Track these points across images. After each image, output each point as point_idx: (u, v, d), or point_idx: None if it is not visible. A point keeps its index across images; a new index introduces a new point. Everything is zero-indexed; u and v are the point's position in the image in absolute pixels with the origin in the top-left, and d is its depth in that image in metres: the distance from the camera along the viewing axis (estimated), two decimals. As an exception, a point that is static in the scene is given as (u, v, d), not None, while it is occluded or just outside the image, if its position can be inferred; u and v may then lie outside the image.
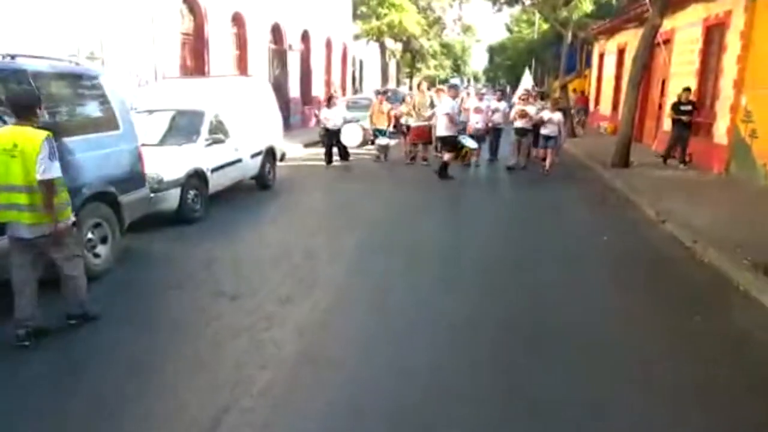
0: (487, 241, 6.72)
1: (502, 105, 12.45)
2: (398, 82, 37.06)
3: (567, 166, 12.22)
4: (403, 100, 13.70)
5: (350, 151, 12.32)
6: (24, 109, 3.87)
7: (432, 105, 11.89)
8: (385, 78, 34.09)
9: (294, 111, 20.18)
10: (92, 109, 5.35)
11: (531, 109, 11.43)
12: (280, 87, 19.95)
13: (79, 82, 5.36)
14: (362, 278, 5.44)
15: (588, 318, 4.51)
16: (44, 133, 3.79)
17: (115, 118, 5.57)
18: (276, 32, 19.78)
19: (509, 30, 45.41)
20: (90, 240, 5.19)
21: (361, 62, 36.80)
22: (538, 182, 10.59)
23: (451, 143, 10.35)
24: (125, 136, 5.67)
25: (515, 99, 13.13)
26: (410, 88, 36.66)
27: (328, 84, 21.00)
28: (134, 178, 5.81)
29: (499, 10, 23.22)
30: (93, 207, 5.21)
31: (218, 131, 8.27)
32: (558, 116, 11.05)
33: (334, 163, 11.89)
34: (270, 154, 9.81)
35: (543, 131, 11.12)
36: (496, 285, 5.27)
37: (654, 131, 14.65)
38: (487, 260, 5.96)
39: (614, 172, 10.96)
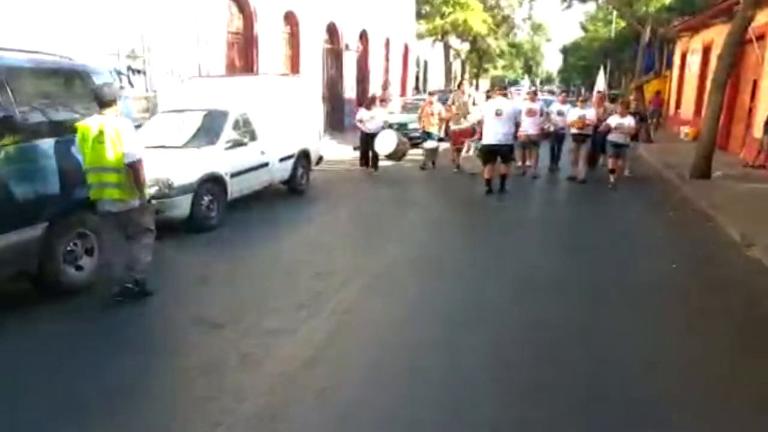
0: (536, 269, 5.57)
1: (566, 108, 11.02)
2: (461, 83, 35.86)
3: (639, 177, 10.80)
4: (446, 101, 12.69)
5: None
6: (105, 103, 4.43)
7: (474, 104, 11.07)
8: (448, 79, 33.05)
9: (349, 112, 19.57)
10: (81, 108, 4.84)
11: (589, 113, 10.08)
12: (334, 87, 19.53)
13: (66, 78, 4.88)
14: (376, 305, 4.65)
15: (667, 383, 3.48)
16: (126, 121, 4.53)
17: (108, 118, 5.01)
18: (331, 32, 19.30)
19: (584, 29, 43.18)
20: (71, 252, 4.68)
21: (425, 63, 35.97)
22: (602, 197, 9.28)
23: (506, 153, 8.99)
24: (119, 138, 5.11)
25: (558, 104, 11.50)
26: (477, 89, 35.58)
27: (385, 85, 20.18)
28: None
29: (569, 6, 21.73)
30: (78, 216, 4.70)
31: (244, 133, 7.72)
32: (629, 121, 9.52)
33: (371, 170, 11.03)
34: (304, 158, 9.19)
35: (610, 137, 9.68)
36: (541, 322, 4.31)
37: (742, 138, 12.97)
38: (535, 293, 4.95)
39: (693, 185, 9.56)
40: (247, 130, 7.85)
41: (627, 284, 5.19)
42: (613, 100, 14.10)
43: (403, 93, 26.81)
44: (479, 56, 37.37)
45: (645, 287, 5.12)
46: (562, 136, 11.03)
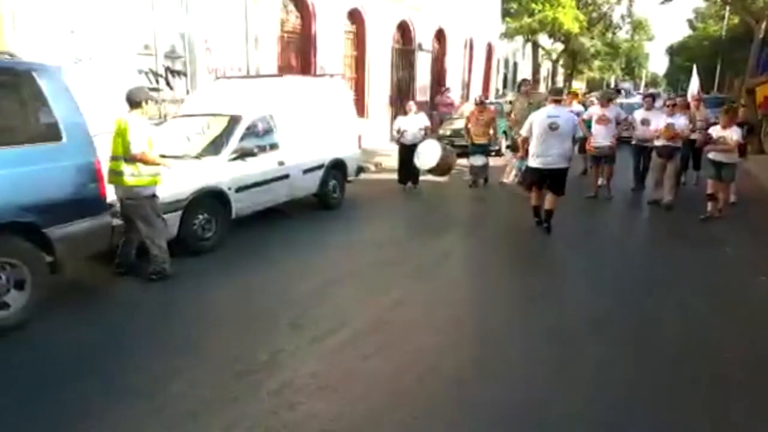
0: (602, 354, 3.94)
1: (655, 115, 8.85)
2: (522, 84, 33.55)
3: (745, 202, 8.75)
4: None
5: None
6: (132, 103, 5.10)
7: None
8: (535, 81, 30.97)
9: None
10: (15, 113, 4.10)
11: (679, 122, 8.10)
12: (402, 90, 18.46)
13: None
14: (370, 376, 3.54)
15: None
16: (138, 118, 5.07)
17: (56, 126, 4.27)
18: (403, 30, 18.25)
19: (692, 27, 39.26)
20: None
21: (515, 64, 34.11)
22: (696, 232, 7.21)
23: (557, 179, 6.83)
24: (70, 149, 4.36)
25: (642, 111, 9.21)
26: (569, 92, 33.14)
27: (441, 89, 18.74)
28: (82, 203, 4.48)
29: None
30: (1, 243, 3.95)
31: (261, 141, 6.85)
32: (733, 134, 7.43)
33: (410, 187, 9.55)
34: (336, 169, 8.20)
35: (713, 156, 7.64)
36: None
37: None
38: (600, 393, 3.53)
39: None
40: (265, 138, 6.98)
41: (728, 376, 3.70)
42: (721, 105, 11.87)
43: (486, 96, 25.28)
44: (573, 57, 34.89)
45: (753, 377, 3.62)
46: (649, 150, 8.96)
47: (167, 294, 4.91)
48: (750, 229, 7.53)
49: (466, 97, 23.47)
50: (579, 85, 46.90)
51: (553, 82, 33.41)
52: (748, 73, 16.36)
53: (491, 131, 9.89)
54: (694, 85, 11.41)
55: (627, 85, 55.84)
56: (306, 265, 5.70)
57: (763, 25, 16.38)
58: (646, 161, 9.22)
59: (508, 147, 12.51)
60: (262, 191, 6.73)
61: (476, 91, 25.31)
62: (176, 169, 5.54)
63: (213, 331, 4.22)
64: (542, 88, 31.56)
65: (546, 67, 35.23)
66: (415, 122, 9.42)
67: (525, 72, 33.72)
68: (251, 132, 6.77)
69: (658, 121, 8.30)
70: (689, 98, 10.03)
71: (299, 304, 4.65)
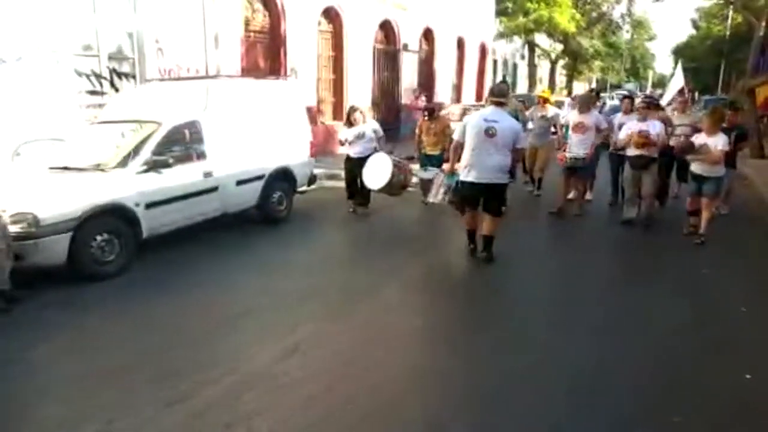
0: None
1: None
2: (552, 88, 32.69)
3: (741, 216, 7.86)
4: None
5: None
6: None
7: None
8: (532, 82, 30.19)
9: (405, 120, 17.68)
10: None
11: (654, 127, 6.95)
12: (386, 93, 17.72)
13: None
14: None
15: None
16: None
17: None
18: (387, 30, 17.52)
19: (696, 27, 38.29)
20: None
21: (515, 65, 33.31)
22: (676, 258, 6.25)
23: (495, 198, 5.77)
24: None
25: (620, 115, 8.20)
26: (569, 95, 32.24)
27: (416, 91, 17.61)
28: None
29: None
30: None
31: (183, 150, 6.16)
32: (721, 141, 6.48)
33: (355, 209, 8.01)
34: (283, 179, 7.47)
35: (694, 168, 6.74)
36: None
37: None
38: None
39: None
40: (189, 147, 6.28)
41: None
42: (723, 106, 10.85)
43: (479, 99, 24.52)
44: (573, 58, 34.07)
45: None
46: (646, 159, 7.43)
47: (27, 340, 4.12)
48: (736, 249, 6.70)
49: (457, 100, 22.74)
50: (581, 86, 46.06)
51: (552, 83, 32.57)
52: (748, 73, 15.49)
53: (448, 137, 8.51)
54: (677, 82, 10.55)
55: (631, 86, 54.74)
56: (215, 295, 4.95)
57: (764, 23, 15.52)
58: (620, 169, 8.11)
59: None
60: (182, 206, 6.00)
61: (469, 94, 24.59)
62: (65, 185, 4.83)
63: (48, 389, 3.48)
64: (538, 90, 30.72)
65: (545, 68, 34.39)
66: (363, 132, 7.80)
67: (526, 73, 32.95)
68: (171, 140, 6.05)
69: (630, 126, 7.16)
70: (670, 97, 9.10)
71: (177, 349, 3.93)
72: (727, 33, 28.73)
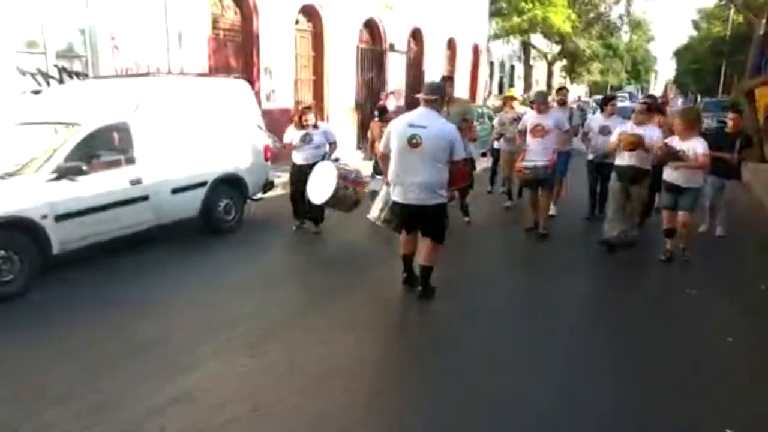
0: None
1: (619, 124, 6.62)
2: (548, 90, 32.05)
3: (732, 226, 6.97)
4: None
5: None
6: None
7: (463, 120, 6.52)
8: (528, 83, 29.54)
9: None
10: None
11: (651, 133, 5.87)
12: (371, 95, 17.09)
13: None
14: None
15: None
16: None
17: None
18: (372, 29, 16.92)
19: (696, 28, 37.58)
20: None
21: (512, 67, 32.66)
22: (658, 277, 5.72)
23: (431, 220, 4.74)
24: None
25: (601, 117, 7.34)
26: (506, 96, 31.36)
27: (386, 93, 15.67)
28: None
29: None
30: None
31: (104, 154, 5.56)
32: (700, 146, 5.52)
33: (299, 224, 6.99)
34: (231, 186, 6.86)
35: (669, 177, 5.78)
36: None
37: None
38: None
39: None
40: (114, 151, 5.69)
41: None
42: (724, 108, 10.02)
43: (472, 100, 23.89)
44: (571, 59, 33.37)
45: None
46: (610, 169, 6.50)
47: None
48: (727, 266, 6.04)
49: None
50: (580, 88, 45.35)
51: (549, 85, 31.92)
52: (747, 73, 14.82)
53: None
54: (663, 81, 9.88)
55: (632, 88, 54.01)
56: (123, 320, 4.32)
57: (764, 21, 14.86)
58: (605, 182, 6.94)
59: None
60: (102, 218, 5.39)
61: (461, 96, 23.93)
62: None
63: None
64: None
65: (543, 70, 33.74)
66: (312, 136, 6.76)
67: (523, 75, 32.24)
68: (92, 144, 5.45)
69: (622, 130, 6.13)
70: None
71: (53, 386, 3.32)
72: (728, 33, 28.03)
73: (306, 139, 6.74)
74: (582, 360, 3.84)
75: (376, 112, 7.83)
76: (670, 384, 3.54)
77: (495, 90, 28.88)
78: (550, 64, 32.46)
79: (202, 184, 6.47)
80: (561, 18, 24.79)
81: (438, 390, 3.43)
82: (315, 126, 6.79)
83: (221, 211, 6.76)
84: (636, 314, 4.72)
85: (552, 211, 7.54)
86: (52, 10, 8.45)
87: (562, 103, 7.63)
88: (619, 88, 52.55)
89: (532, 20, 24.37)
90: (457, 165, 4.60)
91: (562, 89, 7.97)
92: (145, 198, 5.81)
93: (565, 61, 34.66)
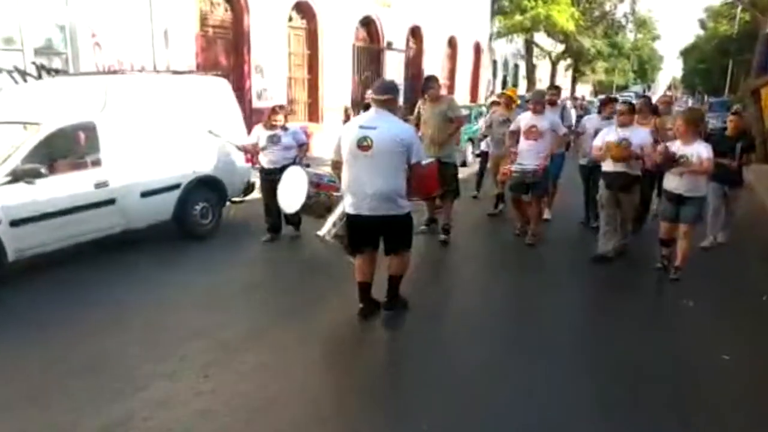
0: None
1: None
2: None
3: (733, 230, 6.57)
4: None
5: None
6: None
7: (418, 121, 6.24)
8: (531, 82, 29.13)
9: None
10: None
11: (638, 136, 5.42)
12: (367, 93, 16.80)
13: None
14: None
15: None
16: None
17: None
18: (369, 27, 16.64)
19: (703, 27, 37.05)
20: None
21: (515, 66, 32.28)
22: (651, 288, 5.34)
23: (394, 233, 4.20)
24: None
25: (596, 119, 6.95)
26: (572, 96, 31.12)
27: (365, 83, 14.73)
28: None
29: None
30: None
31: (68, 156, 5.31)
32: (704, 150, 5.01)
33: (269, 238, 6.40)
34: (206, 189, 6.57)
35: (669, 185, 5.28)
36: None
37: None
38: None
39: None
40: (78, 152, 5.44)
41: None
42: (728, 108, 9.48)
43: (473, 100, 23.57)
44: (574, 58, 32.95)
45: None
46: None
47: None
48: (727, 274, 5.70)
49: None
50: (585, 88, 44.89)
51: (553, 84, 31.49)
52: (753, 72, 14.42)
53: None
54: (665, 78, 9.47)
55: (638, 87, 53.48)
56: (72, 336, 4.03)
57: (771, 18, 14.44)
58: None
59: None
60: (63, 223, 5.11)
61: (462, 95, 23.56)
62: None
63: None
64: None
65: (546, 68, 33.33)
66: (279, 136, 6.21)
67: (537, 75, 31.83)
68: (54, 145, 5.20)
69: (608, 134, 5.60)
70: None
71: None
72: (735, 32, 27.55)
73: (274, 140, 6.20)
74: (569, 381, 3.52)
75: (361, 111, 7.43)
76: (658, 408, 3.23)
77: (498, 89, 28.54)
78: (554, 63, 32.02)
79: (175, 186, 6.18)
80: (564, 16, 24.38)
81: (405, 414, 3.14)
82: (284, 128, 6.30)
83: (197, 215, 6.47)
84: (629, 327, 4.38)
85: (546, 215, 7.23)
86: (30, 6, 8.22)
87: (553, 102, 7.15)
88: (625, 87, 52.06)
89: (535, 18, 23.96)
90: (416, 169, 4.04)
91: (553, 87, 7.59)
92: (111, 201, 5.53)
93: (569, 60, 34.29)
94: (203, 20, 11.05)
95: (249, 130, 7.00)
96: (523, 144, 6.23)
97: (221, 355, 3.74)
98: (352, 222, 4.17)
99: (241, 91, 11.63)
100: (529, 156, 6.15)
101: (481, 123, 8.57)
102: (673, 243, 5.41)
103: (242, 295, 4.90)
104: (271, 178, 6.04)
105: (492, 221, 7.69)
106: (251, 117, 11.36)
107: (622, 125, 5.56)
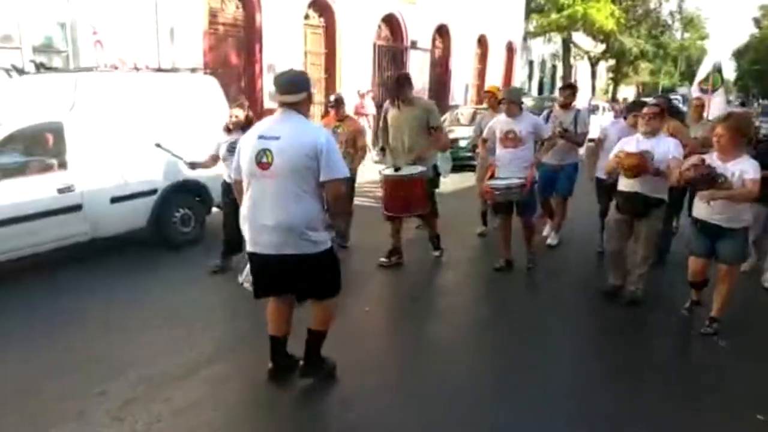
0: None
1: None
2: (593, 91, 30.45)
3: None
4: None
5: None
6: None
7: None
8: (568, 84, 27.99)
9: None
10: None
11: (664, 146, 4.38)
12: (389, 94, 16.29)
13: None
14: None
15: None
16: None
17: None
18: (392, 26, 16.12)
19: (758, 26, 35.05)
20: None
21: (553, 67, 31.24)
22: (678, 343, 4.34)
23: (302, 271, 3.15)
24: None
25: (619, 123, 5.94)
26: (613, 99, 29.84)
27: (361, 93, 13.62)
28: None
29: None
30: None
31: (29, 158, 4.99)
32: (750, 169, 3.88)
33: (217, 265, 5.40)
34: (187, 194, 6.19)
35: (701, 213, 4.14)
36: None
37: None
38: None
39: None
40: (41, 155, 5.12)
41: None
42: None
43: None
44: (616, 59, 31.60)
45: None
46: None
47: None
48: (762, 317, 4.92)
49: (478, 103, 21.06)
50: (628, 90, 43.20)
51: (568, 84, 30.27)
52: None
53: (358, 153, 5.78)
54: (700, 76, 8.63)
55: (685, 90, 51.21)
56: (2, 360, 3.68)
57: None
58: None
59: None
60: (20, 230, 4.78)
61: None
62: None
63: None
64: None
65: (584, 69, 32.12)
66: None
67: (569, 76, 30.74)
68: (12, 147, 4.89)
69: (627, 143, 4.56)
70: (693, 95, 6.47)
71: None
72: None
73: (233, 149, 4.67)
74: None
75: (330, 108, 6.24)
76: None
77: (534, 91, 27.60)
78: (594, 64, 30.79)
79: (151, 192, 5.82)
80: (604, 14, 23.27)
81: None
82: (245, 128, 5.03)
83: (177, 222, 6.10)
84: (649, 378, 3.66)
85: (552, 240, 6.40)
86: (29, 4, 8.05)
87: (566, 105, 6.21)
88: (672, 89, 49.86)
89: (572, 16, 22.96)
90: (333, 187, 2.98)
91: (567, 87, 6.65)
92: (77, 208, 5.19)
93: (610, 61, 32.96)
94: (213, 17, 10.78)
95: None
96: (501, 153, 5.27)
97: (145, 392, 3.29)
98: (252, 261, 3.22)
99: (252, 91, 11.32)
100: (510, 167, 5.19)
101: (472, 129, 7.44)
102: (705, 284, 4.37)
103: (194, 319, 4.37)
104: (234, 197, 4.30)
105: (482, 242, 6.67)
106: (262, 117, 11.05)
107: (647, 134, 4.49)
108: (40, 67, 8.30)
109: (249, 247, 3.16)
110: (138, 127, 5.72)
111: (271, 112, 7.89)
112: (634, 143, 4.52)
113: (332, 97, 6.14)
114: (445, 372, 3.64)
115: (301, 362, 3.36)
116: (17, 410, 3.09)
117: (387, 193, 5.24)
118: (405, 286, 5.30)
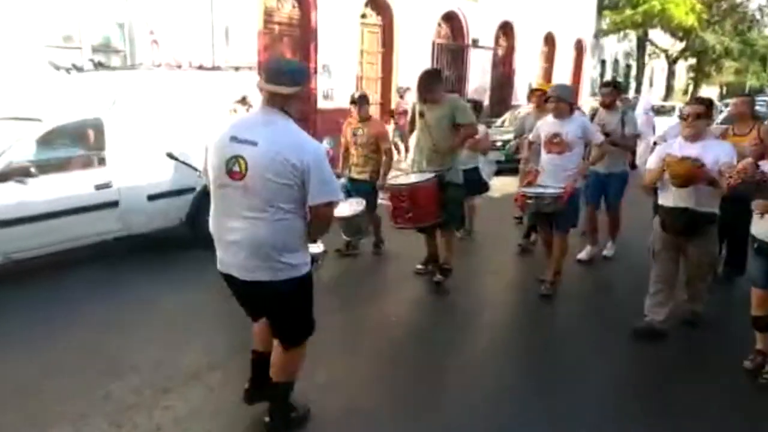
0: None
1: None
2: (668, 91, 28.77)
3: None
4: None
5: None
6: None
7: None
8: (640, 83, 26.61)
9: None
10: None
11: (723, 151, 3.70)
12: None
13: None
14: None
15: None
16: None
17: None
18: (452, 23, 15.75)
19: None
20: None
21: (627, 66, 29.80)
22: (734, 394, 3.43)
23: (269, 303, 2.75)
24: None
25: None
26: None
27: (401, 92, 12.13)
28: None
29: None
30: None
31: (66, 155, 5.10)
32: None
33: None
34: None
35: (758, 230, 3.40)
36: None
37: None
38: None
39: None
40: (81, 151, 5.20)
41: None
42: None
43: (576, 102, 21.84)
44: (697, 57, 29.71)
45: None
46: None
47: None
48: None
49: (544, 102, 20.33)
50: (711, 90, 40.58)
51: (612, 81, 28.67)
52: None
53: (382, 157, 5.44)
54: None
55: (776, 90, 47.54)
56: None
57: None
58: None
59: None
60: (56, 226, 4.85)
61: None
62: None
63: None
64: (656, 94, 26.90)
65: (661, 68, 30.43)
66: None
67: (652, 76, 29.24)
68: (53, 142, 4.98)
69: (668, 147, 4.00)
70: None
71: None
72: None
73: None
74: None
75: (351, 108, 5.65)
76: None
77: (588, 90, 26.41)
78: (672, 63, 29.06)
79: (189, 190, 5.81)
80: (683, 9, 21.88)
81: None
82: None
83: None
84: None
85: (608, 250, 5.90)
86: (89, 4, 8.31)
87: (608, 105, 5.63)
88: (760, 90, 46.39)
89: (648, 12, 21.72)
90: (320, 213, 2.56)
91: (608, 85, 5.89)
92: (114, 204, 5.24)
93: (691, 60, 31.05)
94: (268, 17, 10.83)
95: (309, 131, 6.47)
96: (545, 159, 4.78)
97: (148, 397, 3.19)
98: (226, 281, 2.75)
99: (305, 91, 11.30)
100: (551, 175, 4.69)
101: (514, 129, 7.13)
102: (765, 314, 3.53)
103: (204, 322, 4.26)
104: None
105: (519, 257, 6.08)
106: (315, 118, 11.03)
107: (689, 138, 3.84)
108: (98, 66, 8.65)
109: (219, 267, 2.69)
110: (177, 124, 5.72)
111: (325, 112, 7.22)
112: (676, 148, 3.89)
113: (355, 95, 5.69)
114: (465, 390, 3.35)
115: (266, 419, 2.83)
116: (17, 410, 3.06)
117: (392, 204, 4.83)
118: (438, 296, 5.00)
